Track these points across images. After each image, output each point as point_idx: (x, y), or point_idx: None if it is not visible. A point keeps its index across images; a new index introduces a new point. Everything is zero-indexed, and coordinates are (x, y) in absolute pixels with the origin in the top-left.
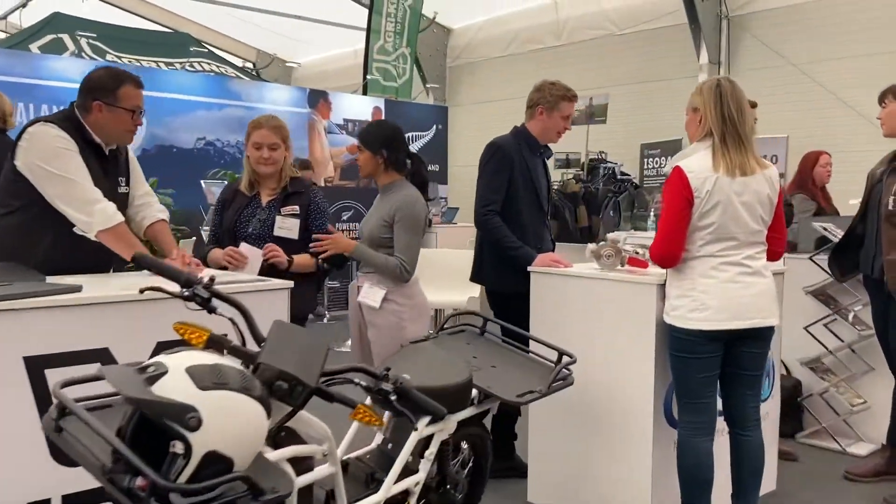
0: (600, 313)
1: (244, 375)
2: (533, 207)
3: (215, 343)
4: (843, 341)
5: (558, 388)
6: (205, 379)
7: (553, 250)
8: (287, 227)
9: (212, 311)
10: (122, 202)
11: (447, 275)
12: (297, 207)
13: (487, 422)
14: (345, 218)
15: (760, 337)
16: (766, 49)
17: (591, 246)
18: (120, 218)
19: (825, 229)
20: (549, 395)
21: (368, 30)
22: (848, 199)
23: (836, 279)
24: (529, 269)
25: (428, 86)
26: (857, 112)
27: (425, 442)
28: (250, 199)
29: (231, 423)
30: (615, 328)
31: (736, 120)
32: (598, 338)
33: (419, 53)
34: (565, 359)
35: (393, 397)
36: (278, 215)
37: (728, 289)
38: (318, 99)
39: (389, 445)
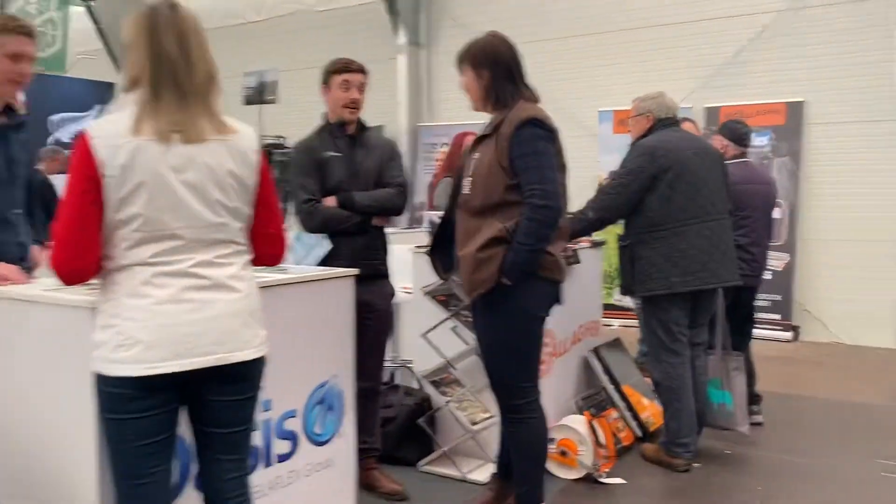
0: (33, 350)
1: None
2: None
3: None
4: (469, 345)
5: None
6: None
7: (24, 259)
8: None
9: None
10: None
11: None
12: None
13: None
14: None
15: (235, 378)
16: (467, 31)
17: None
18: None
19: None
20: None
21: None
22: None
23: (439, 277)
24: None
25: (80, 56)
26: (562, 93)
27: None
28: None
29: None
30: (49, 372)
31: (175, 60)
32: (35, 386)
33: (101, 22)
34: None
35: None
36: None
37: (167, 312)
38: None
39: None
